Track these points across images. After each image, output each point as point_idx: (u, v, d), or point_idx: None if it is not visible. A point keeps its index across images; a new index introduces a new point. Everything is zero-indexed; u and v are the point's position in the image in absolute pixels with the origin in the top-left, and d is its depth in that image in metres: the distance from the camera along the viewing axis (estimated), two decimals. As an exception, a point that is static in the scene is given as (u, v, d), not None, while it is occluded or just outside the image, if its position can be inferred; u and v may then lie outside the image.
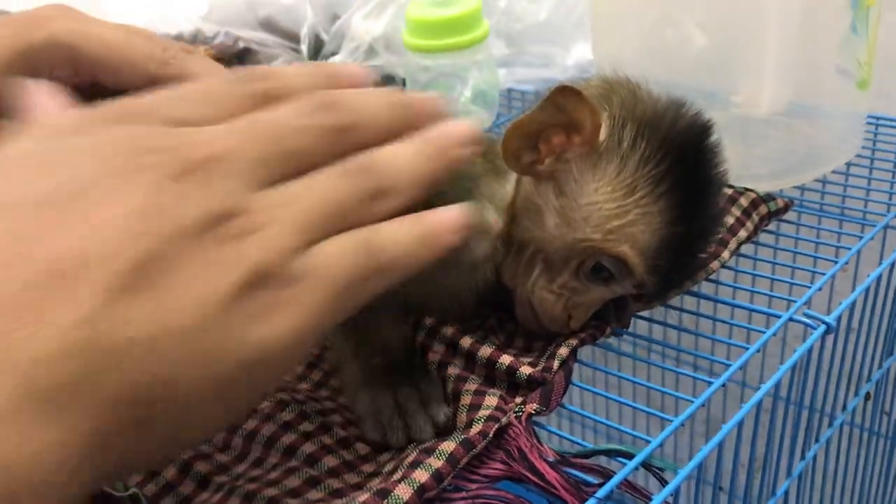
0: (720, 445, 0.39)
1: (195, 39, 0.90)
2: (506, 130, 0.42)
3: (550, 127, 0.41)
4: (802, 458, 0.51)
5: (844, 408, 0.54)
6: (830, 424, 0.52)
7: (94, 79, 0.38)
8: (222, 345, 0.24)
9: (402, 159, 0.31)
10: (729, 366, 0.42)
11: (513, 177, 0.44)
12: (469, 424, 0.38)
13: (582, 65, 0.81)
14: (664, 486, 0.37)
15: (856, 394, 0.55)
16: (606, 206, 0.41)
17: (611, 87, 0.45)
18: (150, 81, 0.39)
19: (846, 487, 0.67)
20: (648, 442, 0.38)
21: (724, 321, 0.50)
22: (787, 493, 0.50)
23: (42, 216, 0.24)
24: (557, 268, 0.43)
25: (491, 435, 0.37)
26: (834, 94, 0.63)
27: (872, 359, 0.57)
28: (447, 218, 0.31)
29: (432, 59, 0.73)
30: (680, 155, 0.41)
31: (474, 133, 0.33)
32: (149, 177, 0.25)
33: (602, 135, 0.41)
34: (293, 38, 0.89)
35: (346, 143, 0.30)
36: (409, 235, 0.30)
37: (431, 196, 0.37)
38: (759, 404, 0.41)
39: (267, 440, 0.38)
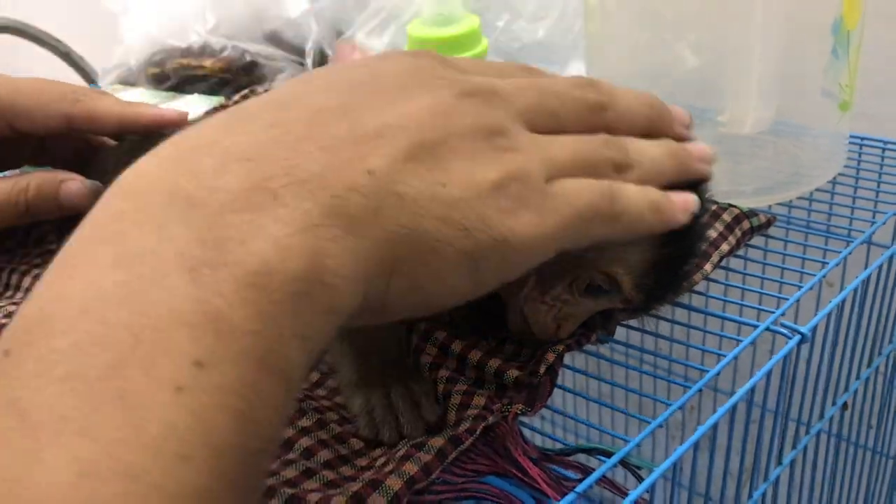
0: (695, 447, 0.41)
1: (203, 52, 0.92)
2: None
3: None
4: (780, 464, 0.53)
5: (822, 416, 0.56)
6: (808, 432, 0.54)
7: (11, 126, 0.43)
8: (479, 222, 0.30)
9: (651, 150, 0.37)
10: (707, 372, 0.44)
11: None
12: (458, 423, 0.40)
13: (577, 82, 0.84)
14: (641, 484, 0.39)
15: (833, 403, 0.58)
16: None
17: None
18: (65, 121, 0.46)
19: (822, 498, 0.69)
20: (626, 442, 0.40)
21: (712, 332, 0.52)
22: (763, 496, 0.52)
23: (366, 96, 0.30)
24: (550, 282, 0.45)
25: (478, 432, 0.39)
26: (818, 115, 0.65)
27: (850, 370, 0.59)
28: (683, 198, 0.38)
29: (433, 75, 0.75)
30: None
31: (714, 155, 0.39)
32: (444, 90, 0.32)
33: None
34: (298, 52, 0.92)
35: (599, 120, 0.36)
36: (645, 199, 0.36)
37: None
38: (735, 411, 0.43)
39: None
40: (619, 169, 0.35)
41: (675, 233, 0.44)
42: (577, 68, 0.84)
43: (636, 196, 0.35)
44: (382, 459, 0.39)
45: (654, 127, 0.39)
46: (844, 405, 0.59)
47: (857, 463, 0.76)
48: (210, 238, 0.25)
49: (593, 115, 0.36)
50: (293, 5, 0.94)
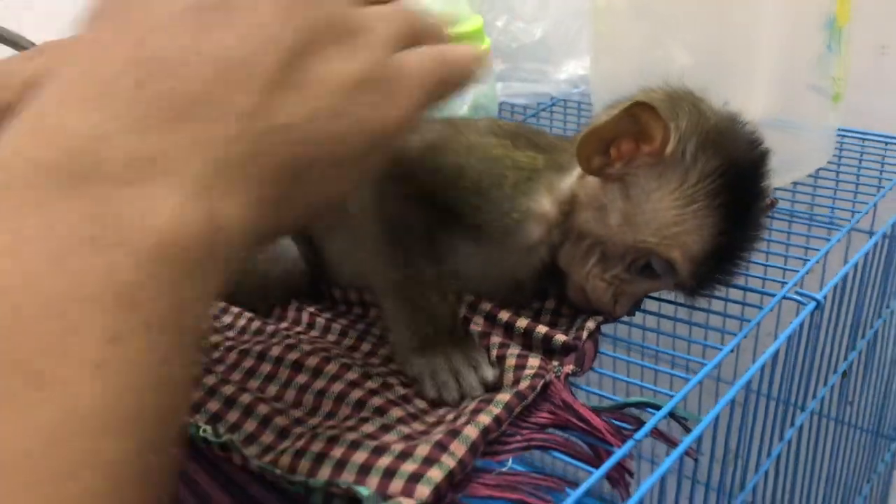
0: (731, 403, 0.44)
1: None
2: (581, 136, 0.46)
3: (623, 135, 0.46)
4: (781, 439, 0.57)
5: (815, 395, 0.60)
6: (803, 409, 0.58)
7: None
8: (354, 128, 0.30)
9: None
10: (705, 364, 0.46)
11: (574, 173, 0.49)
12: (517, 382, 0.43)
13: (572, 80, 0.88)
14: (688, 434, 0.42)
15: (824, 383, 0.62)
16: (667, 213, 0.46)
17: (675, 100, 0.48)
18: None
19: (819, 475, 0.74)
20: (671, 398, 0.43)
21: (734, 301, 0.55)
22: (766, 473, 0.55)
23: (203, 18, 0.29)
24: (612, 261, 0.48)
25: (538, 389, 0.42)
26: (808, 108, 0.70)
27: (838, 355, 0.63)
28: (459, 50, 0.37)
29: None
30: (736, 171, 0.46)
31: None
32: None
33: (669, 147, 0.45)
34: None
35: None
36: (468, 51, 0.36)
37: (490, 183, 0.44)
38: (734, 399, 0.46)
39: (337, 396, 0.43)
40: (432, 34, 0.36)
41: (735, 222, 0.46)
42: (570, 66, 0.88)
43: (461, 51, 0.36)
44: (452, 415, 0.41)
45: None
46: (845, 372, 0.63)
47: (847, 441, 0.81)
48: (103, 214, 0.25)
49: None
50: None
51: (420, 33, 0.35)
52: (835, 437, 0.77)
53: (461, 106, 0.83)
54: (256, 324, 0.51)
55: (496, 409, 0.40)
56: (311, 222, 0.44)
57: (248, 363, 0.46)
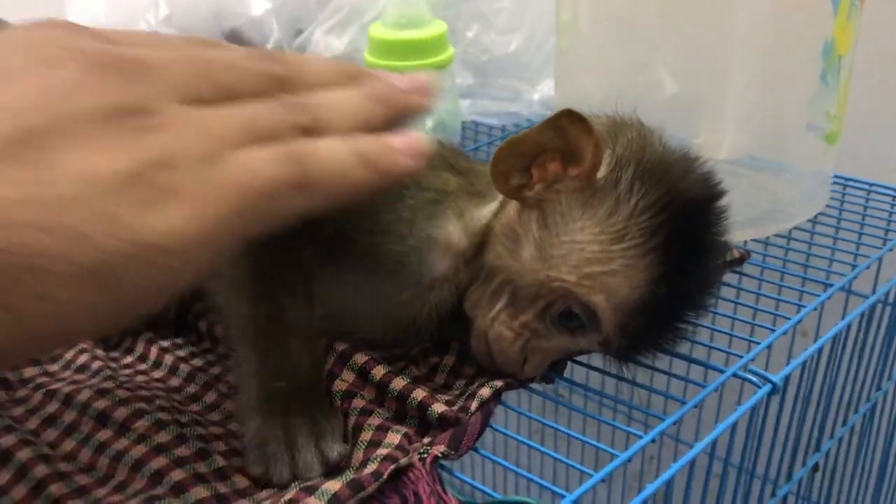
0: (645, 505, 0.35)
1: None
2: (499, 147, 0.39)
3: (547, 151, 0.38)
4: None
5: (790, 477, 0.50)
6: (774, 494, 0.48)
7: None
8: (101, 224, 0.23)
9: (344, 100, 0.30)
10: (664, 419, 0.38)
11: (493, 203, 0.42)
12: (364, 463, 0.34)
13: (548, 101, 0.79)
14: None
15: (803, 463, 0.52)
16: (589, 247, 0.38)
17: (619, 126, 0.42)
18: None
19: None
20: (562, 497, 0.34)
21: (677, 377, 0.46)
22: None
23: None
24: (523, 305, 0.39)
25: (385, 476, 0.33)
26: (801, 150, 0.60)
27: (822, 428, 0.53)
28: (399, 141, 0.30)
29: (394, 81, 0.70)
30: (680, 211, 0.38)
31: (432, 83, 0.33)
32: (70, 65, 0.25)
33: (601, 172, 0.38)
34: (256, 51, 0.86)
35: (284, 94, 0.29)
36: (346, 153, 0.29)
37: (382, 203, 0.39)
38: (694, 465, 0.38)
39: (135, 463, 0.34)
40: (309, 131, 0.29)
41: (675, 272, 0.38)
42: (548, 85, 0.79)
43: (334, 153, 0.29)
44: (267, 503, 0.32)
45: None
46: (815, 466, 0.53)
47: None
48: None
49: (277, 88, 0.30)
50: (256, 3, 0.89)
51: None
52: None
53: (423, 124, 0.74)
54: (84, 357, 0.42)
55: (318, 503, 0.31)
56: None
57: (52, 408, 0.38)
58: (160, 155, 0.25)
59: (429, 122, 0.75)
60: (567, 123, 0.37)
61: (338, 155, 0.28)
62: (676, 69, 0.58)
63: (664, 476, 0.35)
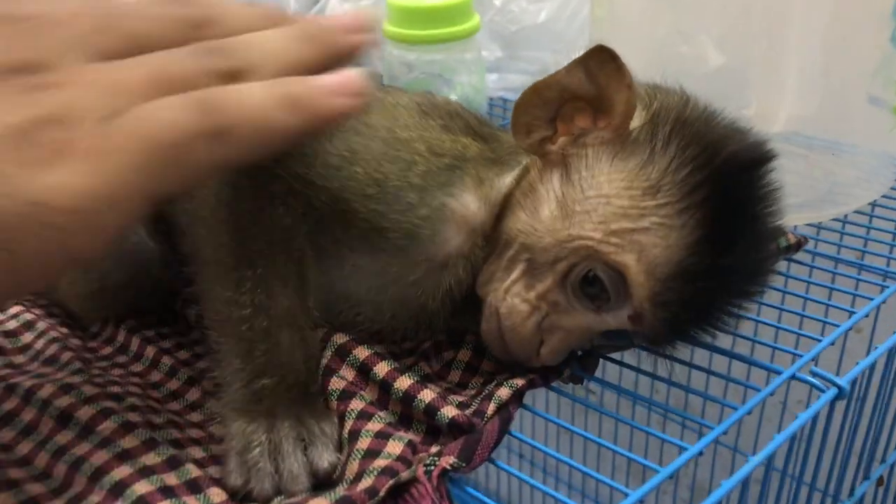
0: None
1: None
2: (522, 94, 0.35)
3: (575, 100, 0.34)
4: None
5: (852, 493, 0.44)
6: (835, 510, 0.43)
7: None
8: None
9: (269, 42, 0.27)
10: (711, 426, 0.33)
11: (515, 171, 0.37)
12: (359, 476, 0.29)
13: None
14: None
15: (866, 477, 0.46)
16: (617, 201, 0.33)
17: (660, 88, 0.37)
18: None
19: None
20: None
21: (717, 374, 0.40)
22: None
23: None
24: (541, 271, 0.34)
25: (382, 493, 0.28)
26: (863, 126, 0.54)
27: (878, 436, 0.47)
28: (330, 80, 0.27)
29: (415, 52, 0.65)
30: (723, 169, 0.33)
31: (369, 21, 0.29)
32: None
33: (635, 122, 0.34)
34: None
35: (200, 38, 0.27)
36: (266, 96, 0.26)
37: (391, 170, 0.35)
38: (751, 475, 0.32)
39: (94, 472, 0.29)
40: (231, 77, 0.26)
41: (718, 240, 0.33)
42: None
43: (252, 98, 0.26)
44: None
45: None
46: (880, 480, 0.47)
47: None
48: None
49: (192, 32, 0.27)
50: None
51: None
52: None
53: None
54: (54, 348, 0.38)
55: (300, 525, 0.26)
56: None
57: (11, 404, 0.33)
58: (54, 112, 0.23)
59: (452, 97, 0.70)
60: (597, 63, 0.33)
61: (256, 99, 0.26)
62: (723, 38, 0.53)
63: (720, 490, 0.30)
